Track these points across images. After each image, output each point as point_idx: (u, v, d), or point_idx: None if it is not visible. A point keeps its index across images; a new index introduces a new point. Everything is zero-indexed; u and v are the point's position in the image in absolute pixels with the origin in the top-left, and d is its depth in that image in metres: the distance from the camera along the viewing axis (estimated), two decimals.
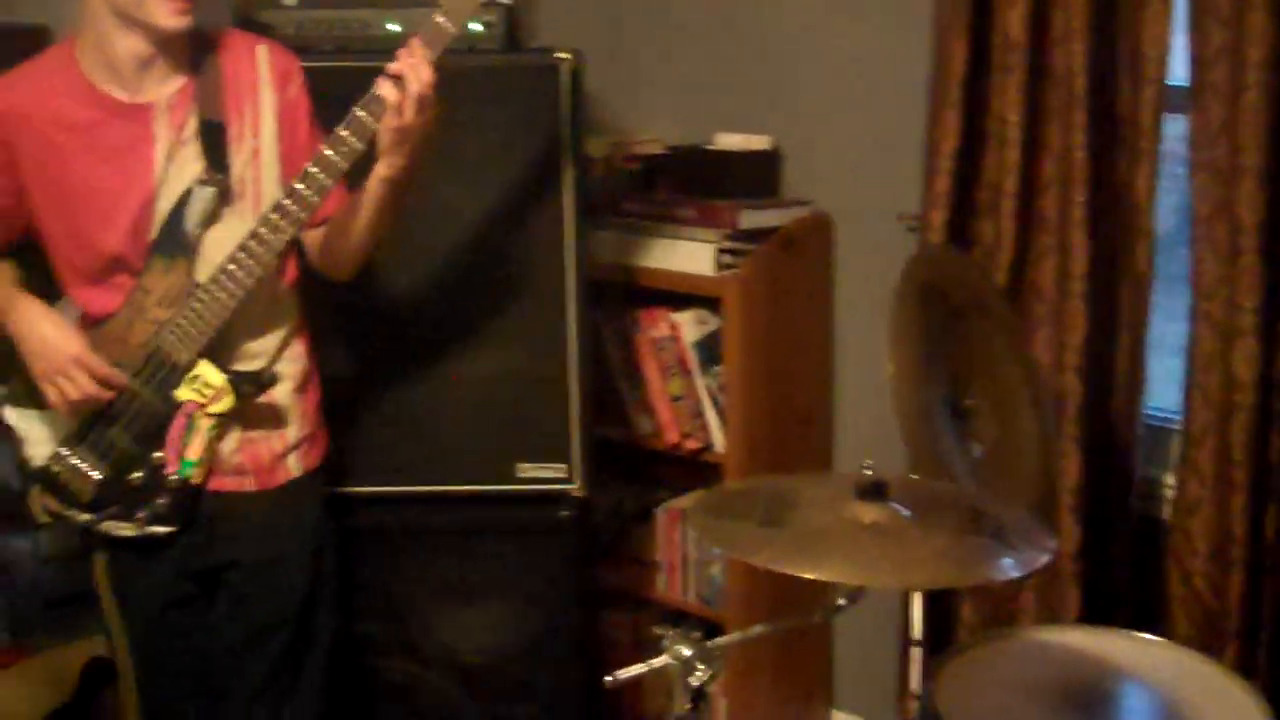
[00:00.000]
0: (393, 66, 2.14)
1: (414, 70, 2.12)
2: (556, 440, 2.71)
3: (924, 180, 2.75)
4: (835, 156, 3.05)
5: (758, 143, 3.09)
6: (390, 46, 2.47)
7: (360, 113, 2.15)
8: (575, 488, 2.73)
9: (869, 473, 1.94)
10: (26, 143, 2.24)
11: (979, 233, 2.75)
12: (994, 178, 2.69)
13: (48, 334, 2.25)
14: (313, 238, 2.36)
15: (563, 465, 2.72)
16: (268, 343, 2.35)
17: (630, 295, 3.07)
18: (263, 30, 2.59)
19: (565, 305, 2.67)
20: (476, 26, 2.59)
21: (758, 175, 3.08)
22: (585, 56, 2.64)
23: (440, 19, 2.14)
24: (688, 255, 2.95)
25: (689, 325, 3.01)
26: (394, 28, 2.60)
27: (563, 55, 2.60)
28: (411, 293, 2.66)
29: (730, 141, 3.10)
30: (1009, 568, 1.86)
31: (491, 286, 2.67)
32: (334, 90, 2.33)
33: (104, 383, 2.25)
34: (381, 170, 2.19)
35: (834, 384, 3.15)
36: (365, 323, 2.67)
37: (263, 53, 2.32)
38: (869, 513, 1.91)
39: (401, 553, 2.76)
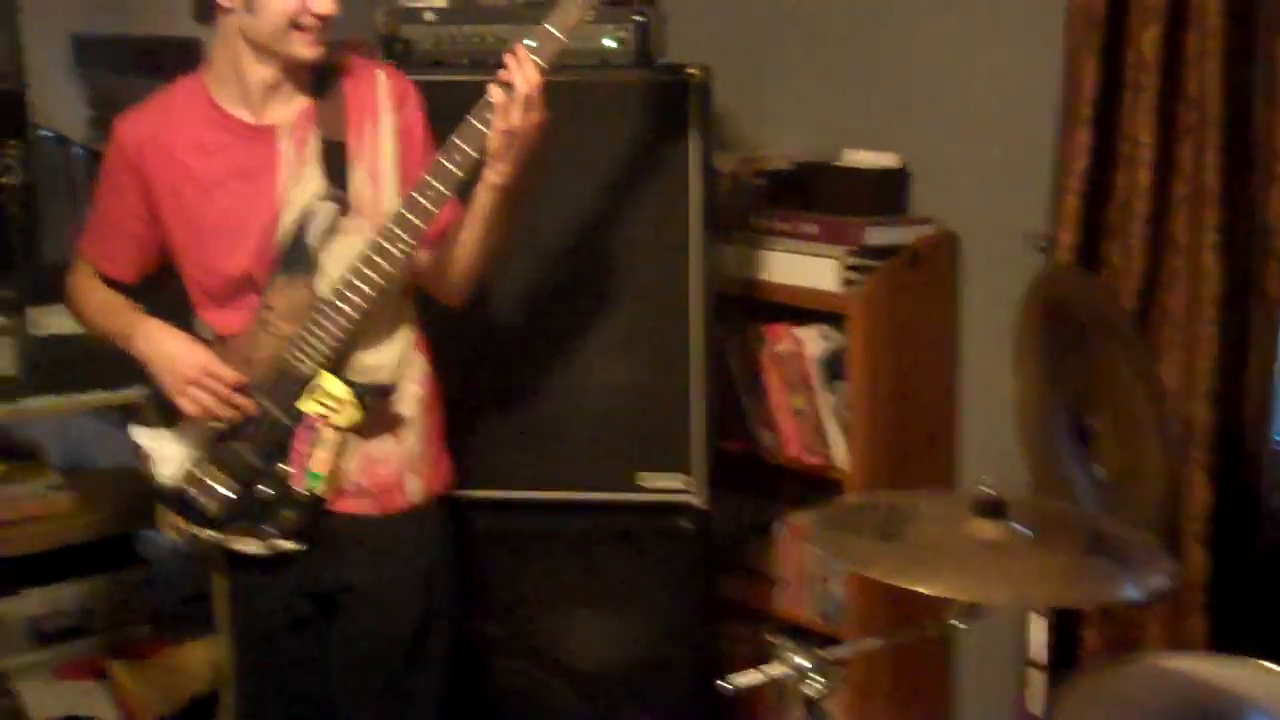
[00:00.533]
0: (502, 71, 2.18)
1: (520, 72, 2.15)
2: (678, 451, 2.74)
3: (1053, 200, 2.73)
4: (964, 174, 3.04)
5: (886, 159, 3.09)
6: None
7: (473, 120, 2.19)
8: (696, 499, 2.76)
9: (988, 490, 1.94)
10: (159, 168, 2.32)
11: (1108, 254, 2.72)
12: (1124, 198, 2.67)
13: (173, 349, 2.32)
14: (426, 259, 2.39)
15: (684, 476, 2.75)
16: (389, 355, 2.39)
17: (754, 309, 3.09)
18: (404, 45, 2.66)
19: (690, 318, 2.70)
20: (610, 42, 2.63)
21: (885, 192, 3.08)
22: (715, 72, 2.67)
23: (548, 25, 2.18)
24: (813, 270, 2.96)
25: (813, 340, 3.02)
26: (530, 43, 2.66)
27: (692, 71, 2.64)
28: (540, 302, 2.71)
29: (858, 158, 3.11)
30: (1129, 591, 1.85)
31: (618, 298, 2.71)
32: (469, 105, 2.39)
33: (234, 388, 2.31)
34: (490, 177, 2.23)
35: (958, 402, 3.14)
36: (495, 331, 2.72)
37: (381, 76, 2.38)
38: (987, 530, 1.91)
39: (525, 557, 2.81)
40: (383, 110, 2.36)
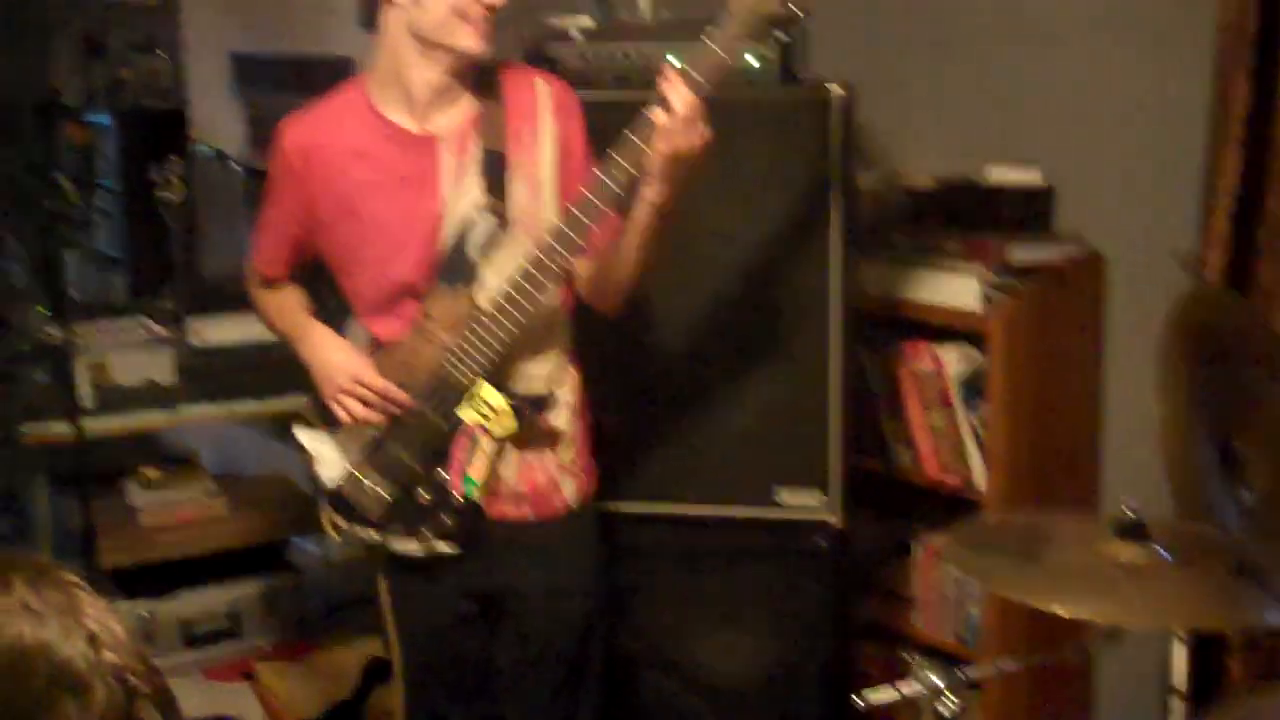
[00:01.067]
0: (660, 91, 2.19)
1: (674, 92, 2.16)
2: (816, 469, 2.74)
3: (1201, 219, 2.69)
4: (1110, 192, 3.00)
5: (1030, 177, 3.06)
6: None
7: (632, 137, 2.21)
8: (833, 517, 2.76)
9: (1130, 512, 1.91)
10: (321, 175, 2.36)
11: (1258, 275, 2.66)
12: (1275, 219, 2.61)
13: (331, 357, 2.40)
14: (583, 269, 2.42)
15: (821, 494, 2.76)
16: (544, 366, 2.42)
17: (895, 327, 3.08)
18: (550, 64, 2.71)
19: (829, 335, 2.71)
20: (752, 60, 2.65)
21: (1029, 210, 3.05)
22: (858, 89, 2.67)
23: (707, 41, 2.19)
24: (954, 289, 2.94)
25: (953, 359, 3.00)
26: (675, 62, 2.69)
27: (835, 89, 2.64)
28: (681, 317, 2.73)
29: (1002, 175, 3.08)
30: (1275, 617, 1.81)
31: (758, 313, 2.72)
32: (615, 123, 2.43)
33: (387, 399, 2.36)
34: (649, 195, 2.23)
35: (1101, 423, 3.09)
36: (637, 344, 2.75)
37: (542, 85, 2.40)
38: (1128, 552, 1.88)
39: (663, 571, 2.83)
40: (542, 118, 2.38)
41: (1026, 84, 3.12)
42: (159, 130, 5.62)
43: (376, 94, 2.36)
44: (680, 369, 2.76)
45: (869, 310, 2.99)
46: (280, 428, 5.11)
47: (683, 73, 2.16)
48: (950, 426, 3.02)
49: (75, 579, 1.12)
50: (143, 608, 3.88)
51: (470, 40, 2.26)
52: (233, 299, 4.24)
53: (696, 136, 2.17)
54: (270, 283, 2.54)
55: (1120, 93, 2.96)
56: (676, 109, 2.15)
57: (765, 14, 2.17)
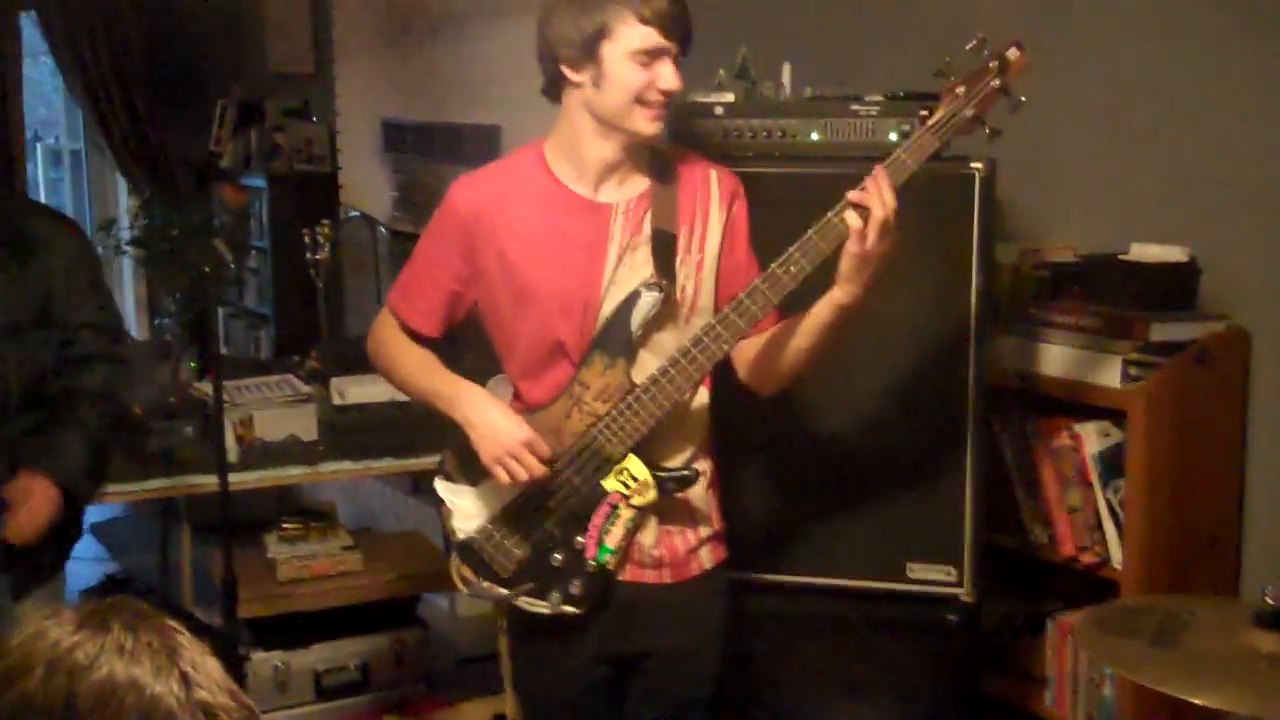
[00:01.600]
0: (854, 194, 2.22)
1: (878, 197, 2.18)
2: (948, 543, 2.72)
3: None
4: (1257, 268, 2.94)
5: (1174, 254, 3.01)
6: (810, 155, 2.60)
7: (814, 236, 2.24)
8: (964, 592, 2.73)
9: (1271, 601, 1.87)
10: (490, 234, 2.39)
11: None
12: None
13: (498, 422, 2.38)
14: (744, 350, 2.44)
15: (953, 569, 2.73)
16: (689, 442, 2.45)
17: (1032, 403, 3.04)
18: (694, 139, 2.75)
19: (965, 408, 2.69)
20: (894, 136, 2.67)
21: (1172, 286, 3.00)
22: (999, 162, 2.67)
23: (904, 155, 2.24)
24: (1094, 365, 2.91)
25: (1091, 436, 2.96)
26: (816, 137, 2.72)
27: (976, 164, 2.65)
28: (816, 386, 2.73)
29: (1145, 252, 3.04)
30: None
31: (895, 385, 2.72)
32: (752, 196, 2.47)
33: (549, 465, 2.37)
34: (837, 295, 2.26)
35: (1244, 506, 3.02)
36: (769, 412, 2.76)
37: (713, 174, 2.45)
38: (1269, 642, 1.84)
39: (793, 639, 2.81)
40: (714, 208, 2.42)
41: (1170, 158, 3.09)
42: (310, 194, 5.82)
43: (554, 160, 2.41)
44: (817, 440, 2.76)
45: (1006, 385, 2.96)
46: (415, 486, 5.24)
47: (889, 171, 2.21)
48: (1087, 504, 2.97)
49: (174, 624, 1.15)
50: (277, 658, 3.97)
51: (645, 125, 2.32)
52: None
53: (890, 240, 2.21)
54: (419, 338, 2.53)
55: (1266, 168, 2.92)
56: (876, 214, 2.18)
57: (971, 118, 2.24)
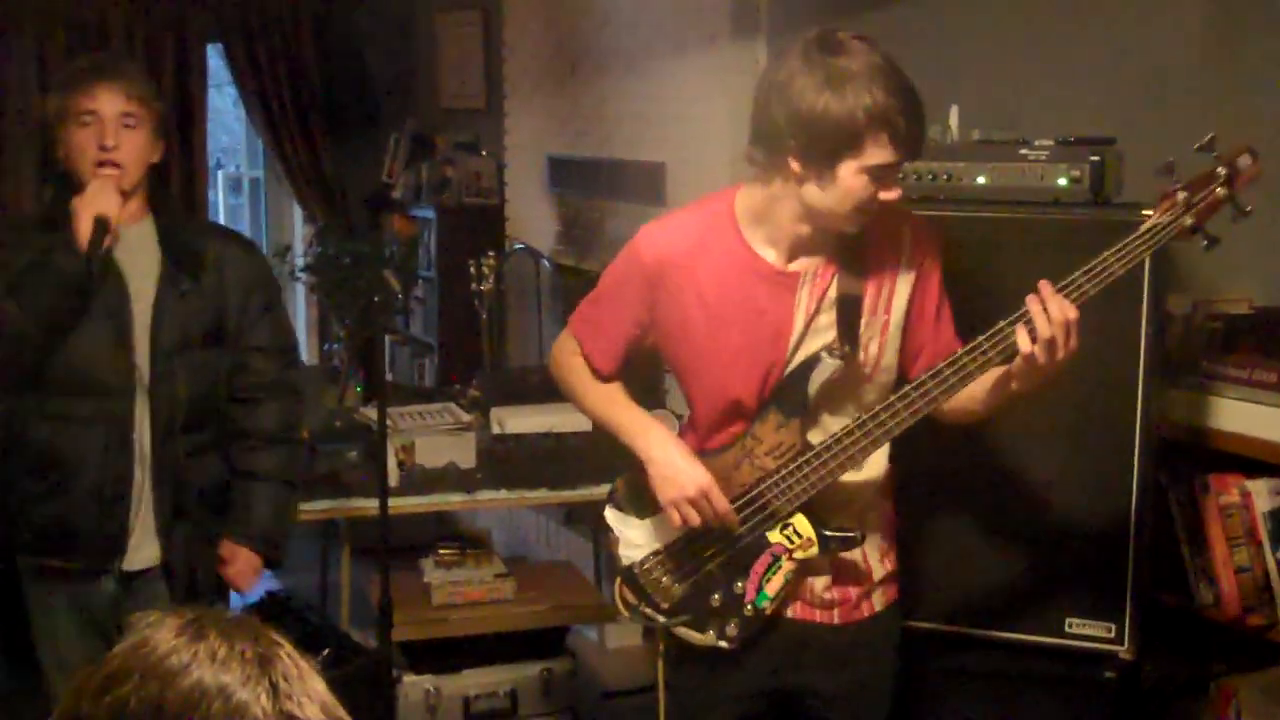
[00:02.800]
0: (1029, 313, 2.19)
1: (1041, 317, 2.17)
2: (1109, 598, 2.66)
3: None
4: None
5: None
6: (975, 199, 2.57)
7: (1007, 327, 2.21)
8: (1123, 650, 2.66)
9: None
10: (674, 289, 2.38)
11: None
12: None
13: (681, 465, 2.38)
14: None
15: (1113, 625, 2.66)
16: (863, 504, 2.44)
17: (1201, 458, 2.96)
18: None
19: (1131, 461, 2.63)
20: (1063, 181, 2.63)
21: None
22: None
23: (1112, 260, 2.22)
24: (1267, 420, 2.81)
25: (1263, 494, 2.86)
26: (983, 181, 2.69)
27: (1147, 212, 2.59)
28: (983, 437, 2.69)
29: None
30: None
31: (1060, 437, 2.67)
32: None
33: (720, 518, 2.37)
34: (1013, 386, 2.26)
35: None
36: (931, 461, 2.73)
37: (907, 230, 2.38)
38: None
39: (950, 689, 2.78)
40: (904, 263, 2.37)
41: None
42: (477, 226, 5.93)
43: (745, 222, 2.36)
44: (978, 490, 2.72)
45: (1175, 439, 2.89)
46: (568, 516, 5.28)
47: (1070, 287, 2.20)
48: (1256, 564, 2.88)
49: (277, 638, 1.17)
50: (428, 682, 4.02)
51: (853, 227, 2.28)
52: (534, 390, 4.43)
53: (1072, 345, 2.19)
54: (602, 377, 2.55)
55: None
56: (1042, 332, 2.16)
57: (1189, 227, 2.21)
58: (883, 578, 2.50)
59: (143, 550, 2.85)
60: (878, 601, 2.50)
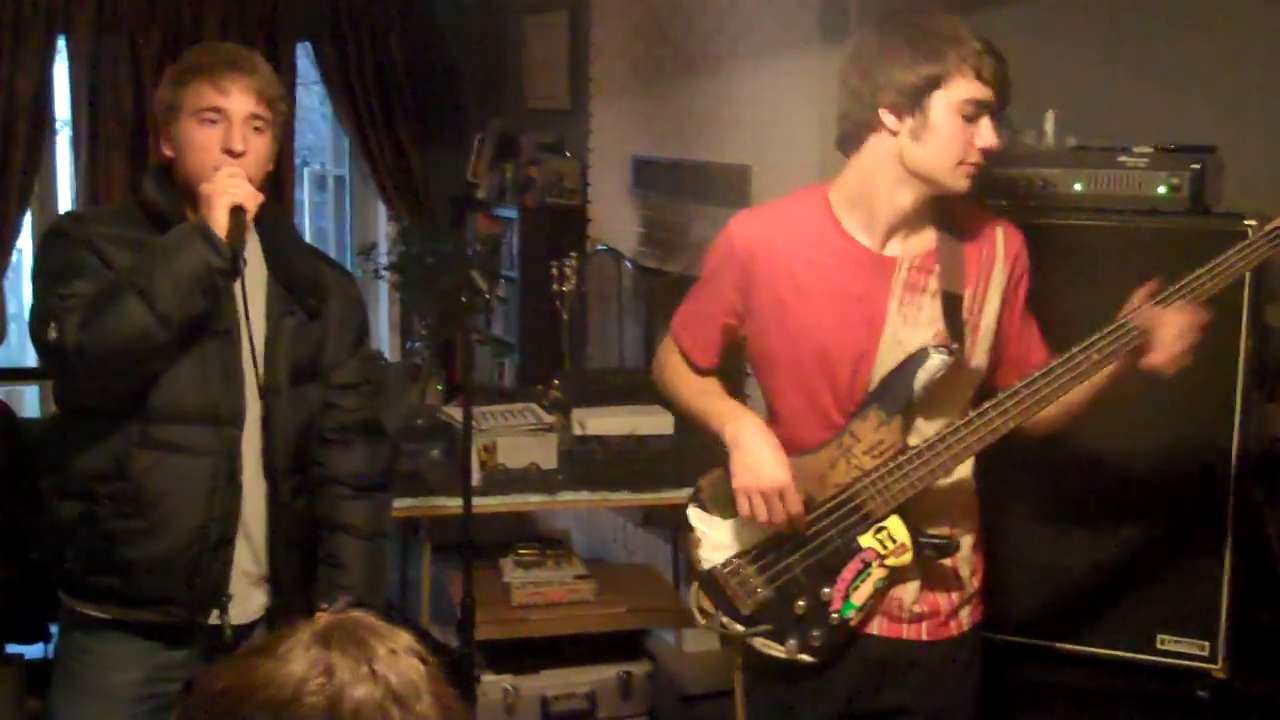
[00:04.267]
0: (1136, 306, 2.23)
1: (1170, 321, 2.20)
2: (1202, 616, 2.61)
3: None
4: None
5: None
6: (1071, 206, 2.54)
7: (1112, 331, 2.24)
8: (1216, 668, 2.62)
9: None
10: (767, 275, 2.37)
11: None
12: None
13: (765, 456, 2.35)
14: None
15: (1206, 643, 2.62)
16: (957, 510, 2.42)
17: None
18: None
19: (1228, 476, 2.58)
20: (1162, 189, 2.58)
21: None
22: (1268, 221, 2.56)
23: (1235, 258, 2.23)
24: None
25: None
26: (1079, 188, 2.65)
27: (1249, 222, 2.54)
28: (1074, 450, 2.65)
29: None
30: None
31: (1153, 451, 2.62)
32: None
33: (791, 520, 2.35)
34: (1148, 359, 2.25)
35: None
36: (1024, 476, 2.69)
37: (1000, 232, 2.39)
38: None
39: (1031, 705, 2.74)
40: (997, 270, 2.37)
41: None
42: (560, 226, 5.93)
43: (840, 208, 2.37)
44: (1071, 504, 2.69)
45: (1273, 454, 2.82)
46: (647, 518, 5.27)
47: (1187, 291, 2.22)
48: None
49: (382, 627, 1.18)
50: (507, 681, 4.03)
51: (961, 181, 2.29)
52: (614, 392, 4.42)
53: (1186, 349, 2.21)
54: (698, 370, 2.54)
55: None
56: (1168, 341, 2.19)
57: None
58: (973, 593, 2.47)
59: (252, 600, 2.59)
60: (965, 619, 2.46)
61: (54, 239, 2.48)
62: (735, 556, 2.45)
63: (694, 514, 2.51)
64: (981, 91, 2.22)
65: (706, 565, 2.47)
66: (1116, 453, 2.65)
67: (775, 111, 4.50)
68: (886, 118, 2.26)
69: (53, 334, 2.32)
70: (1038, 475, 2.68)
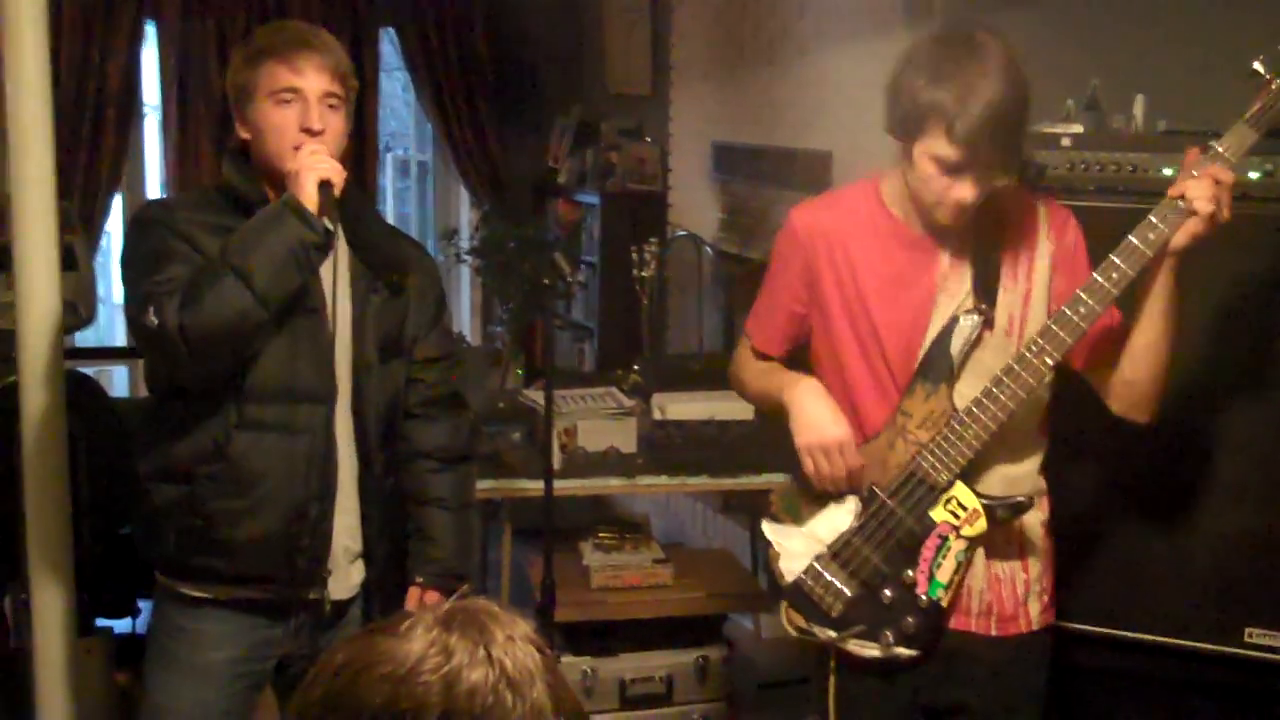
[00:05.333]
0: (1175, 189, 2.22)
1: (1206, 188, 2.18)
2: None
3: None
4: None
5: None
6: (1160, 191, 2.50)
7: (1134, 240, 2.21)
8: None
9: None
10: (828, 261, 2.43)
11: None
12: None
13: (822, 412, 2.41)
14: (1109, 379, 2.39)
15: None
16: (1020, 472, 2.41)
17: None
18: (1037, 170, 2.69)
19: None
20: (1255, 174, 2.54)
21: None
22: None
23: (1218, 146, 2.21)
24: None
25: None
26: (1169, 173, 2.61)
27: None
28: (1158, 437, 2.61)
29: None
30: None
31: (1237, 439, 2.58)
32: (1094, 231, 2.39)
33: (852, 473, 2.39)
34: (1161, 302, 2.27)
35: None
36: (1108, 463, 2.66)
37: (1041, 209, 2.42)
38: None
39: (1114, 697, 2.71)
40: (1042, 237, 2.39)
41: None
42: (640, 212, 5.94)
43: (889, 196, 2.42)
44: (1157, 492, 2.65)
45: None
46: (725, 504, 5.27)
47: (1214, 156, 2.20)
48: None
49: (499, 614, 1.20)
50: (586, 663, 4.05)
51: (943, 220, 2.32)
52: (693, 377, 4.42)
53: (1216, 221, 2.20)
54: (766, 359, 2.60)
55: None
56: (1203, 205, 2.18)
57: None
58: (1039, 587, 2.45)
59: (350, 576, 2.63)
60: (1035, 616, 2.45)
61: (142, 227, 2.51)
62: (815, 560, 2.46)
63: (768, 528, 2.53)
64: (945, 150, 2.21)
65: (790, 578, 2.48)
66: (1203, 440, 2.61)
67: (857, 97, 4.46)
68: (891, 136, 2.33)
69: (152, 320, 2.33)
70: (1123, 460, 2.64)
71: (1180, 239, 2.20)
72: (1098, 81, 2.91)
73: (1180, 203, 2.20)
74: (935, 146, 2.22)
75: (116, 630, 4.04)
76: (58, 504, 2.97)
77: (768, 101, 5.11)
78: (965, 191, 2.25)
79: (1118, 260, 2.22)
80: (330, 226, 2.38)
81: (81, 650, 3.13)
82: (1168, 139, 2.69)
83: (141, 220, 2.54)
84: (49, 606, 2.99)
